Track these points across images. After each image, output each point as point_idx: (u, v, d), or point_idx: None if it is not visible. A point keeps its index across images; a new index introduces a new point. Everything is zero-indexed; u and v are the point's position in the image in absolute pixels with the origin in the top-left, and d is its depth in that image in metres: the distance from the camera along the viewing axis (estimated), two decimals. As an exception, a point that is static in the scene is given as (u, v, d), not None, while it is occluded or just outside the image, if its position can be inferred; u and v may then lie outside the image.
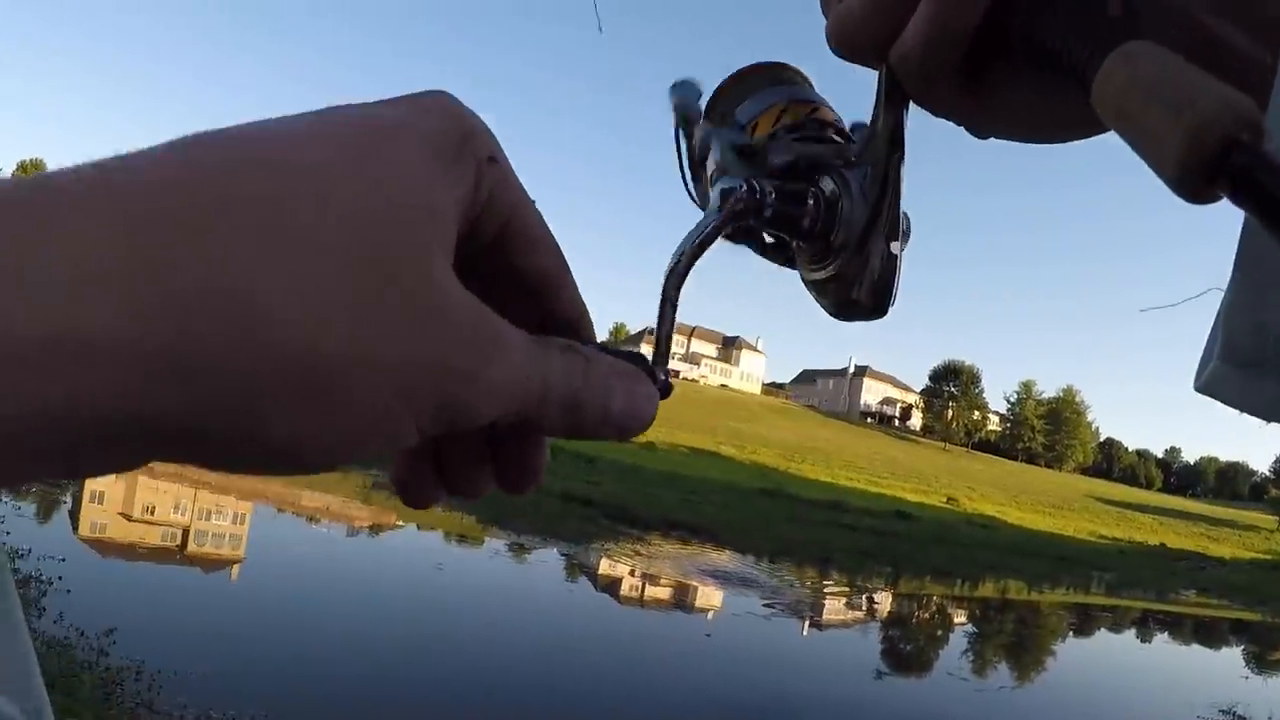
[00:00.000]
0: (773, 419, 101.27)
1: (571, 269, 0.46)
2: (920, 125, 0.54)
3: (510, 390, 0.36)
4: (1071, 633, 19.27)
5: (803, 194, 0.60)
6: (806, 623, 13.94)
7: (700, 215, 0.56)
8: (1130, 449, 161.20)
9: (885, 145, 0.58)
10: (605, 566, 16.38)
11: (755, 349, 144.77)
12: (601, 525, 21.87)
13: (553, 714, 8.22)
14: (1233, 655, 19.97)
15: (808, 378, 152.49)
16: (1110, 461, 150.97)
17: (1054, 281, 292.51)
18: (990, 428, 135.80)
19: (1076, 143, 0.55)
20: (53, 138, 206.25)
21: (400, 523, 18.64)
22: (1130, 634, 20.74)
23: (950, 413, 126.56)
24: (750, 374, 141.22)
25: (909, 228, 0.60)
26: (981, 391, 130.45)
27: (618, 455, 46.37)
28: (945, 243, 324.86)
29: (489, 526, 19.14)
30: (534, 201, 0.42)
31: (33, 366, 0.25)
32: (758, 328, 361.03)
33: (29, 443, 0.27)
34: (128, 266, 0.27)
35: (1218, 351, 0.50)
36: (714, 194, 0.59)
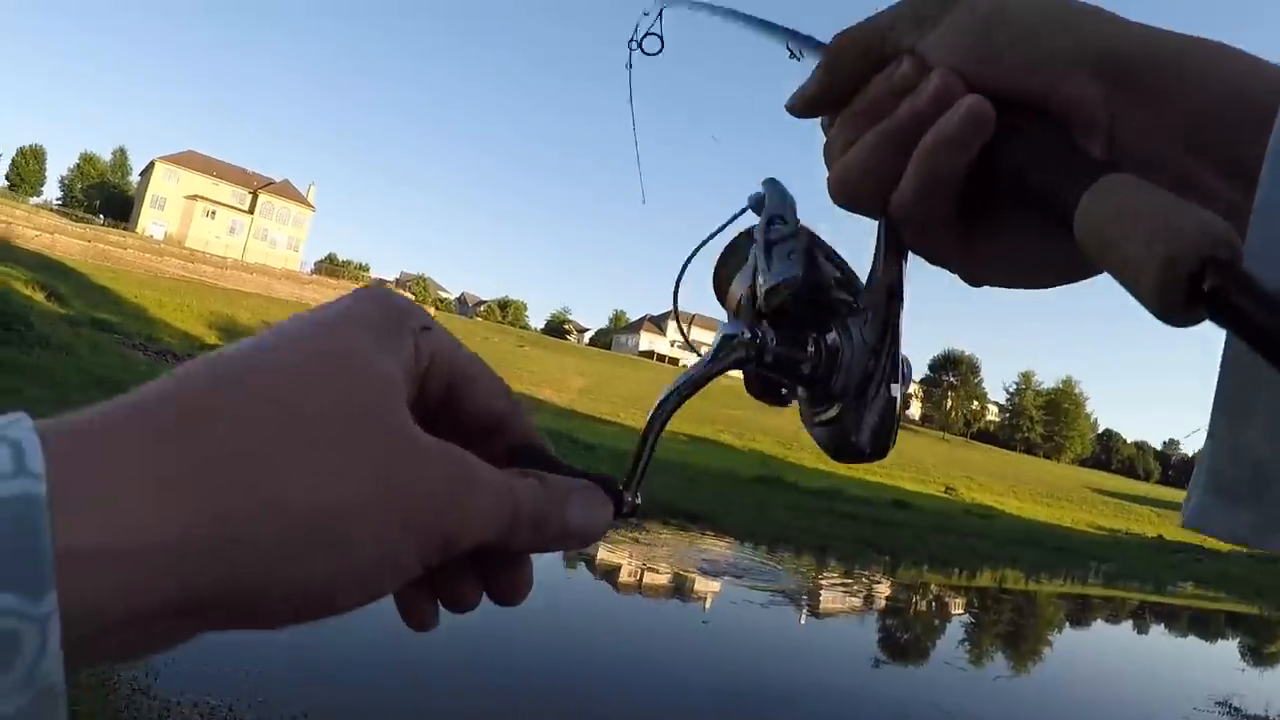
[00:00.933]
0: (771, 407, 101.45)
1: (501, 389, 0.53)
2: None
3: (488, 518, 0.42)
4: (1068, 623, 19.30)
5: (804, 340, 0.61)
6: (804, 611, 13.95)
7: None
8: (1129, 440, 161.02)
9: (885, 295, 0.60)
10: (603, 553, 16.40)
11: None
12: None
13: (551, 698, 8.24)
14: (1229, 648, 19.98)
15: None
16: (1108, 453, 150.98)
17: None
18: (989, 418, 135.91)
19: None
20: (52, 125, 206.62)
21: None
22: (1127, 625, 20.74)
23: (949, 402, 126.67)
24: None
25: (909, 371, 0.62)
26: (981, 381, 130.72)
27: (616, 443, 46.27)
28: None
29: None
30: (474, 354, 0.49)
31: (114, 569, 0.31)
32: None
33: (116, 631, 0.33)
34: (173, 474, 0.33)
35: (1201, 483, 0.51)
36: (716, 337, 0.61)
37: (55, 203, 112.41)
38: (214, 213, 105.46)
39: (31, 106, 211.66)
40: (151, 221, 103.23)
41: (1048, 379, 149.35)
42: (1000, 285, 0.58)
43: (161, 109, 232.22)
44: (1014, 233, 0.55)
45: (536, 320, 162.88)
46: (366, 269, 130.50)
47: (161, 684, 6.50)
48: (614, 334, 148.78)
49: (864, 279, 0.62)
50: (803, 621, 13.34)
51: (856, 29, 0.59)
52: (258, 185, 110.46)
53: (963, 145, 0.51)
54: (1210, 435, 0.49)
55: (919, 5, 0.56)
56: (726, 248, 0.68)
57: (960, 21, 0.54)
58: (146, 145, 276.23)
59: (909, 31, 0.56)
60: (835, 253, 0.64)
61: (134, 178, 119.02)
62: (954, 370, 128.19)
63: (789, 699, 8.54)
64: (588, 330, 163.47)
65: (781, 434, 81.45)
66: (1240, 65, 0.49)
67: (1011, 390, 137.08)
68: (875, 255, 0.60)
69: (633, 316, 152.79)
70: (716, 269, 0.70)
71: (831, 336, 0.61)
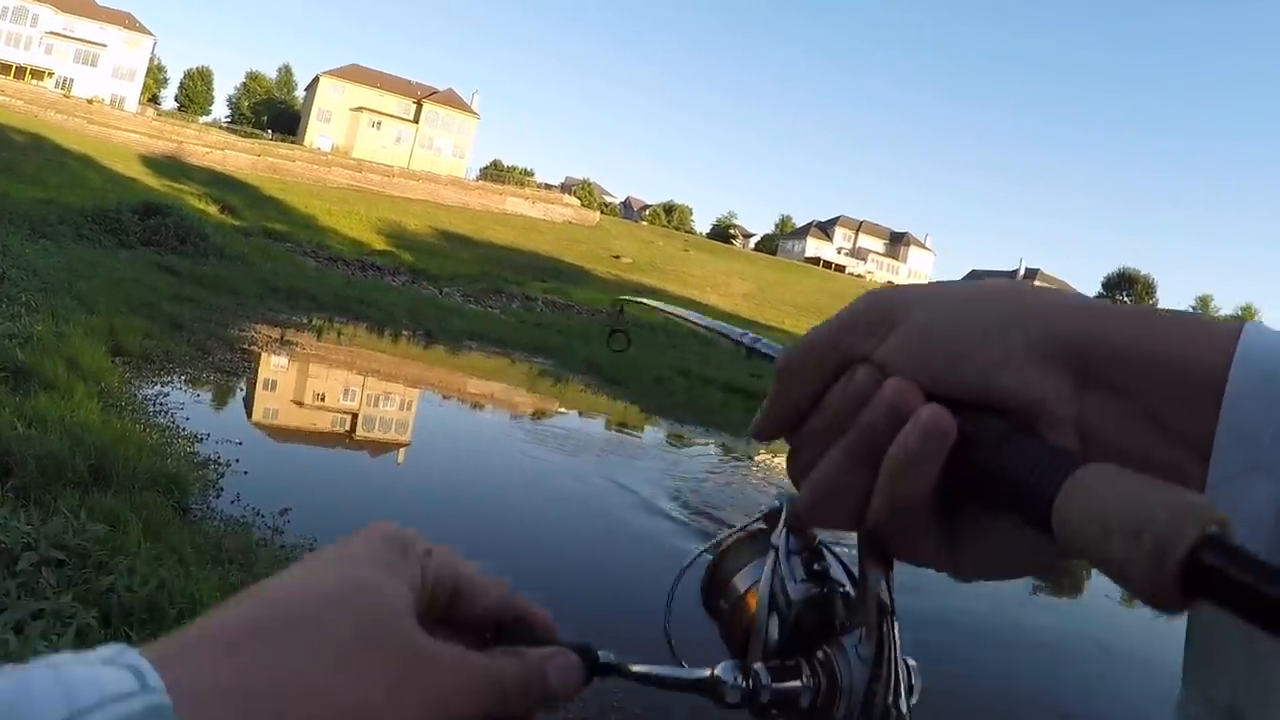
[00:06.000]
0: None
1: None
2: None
3: (482, 698, 0.49)
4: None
5: (797, 668, 0.59)
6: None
7: None
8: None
9: (875, 610, 0.58)
10: (763, 454, 16.32)
11: (924, 246, 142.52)
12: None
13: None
14: None
15: (977, 277, 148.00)
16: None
17: (1244, 193, 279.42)
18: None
19: None
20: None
21: (563, 410, 18.81)
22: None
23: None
24: (918, 272, 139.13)
25: (916, 679, 0.59)
26: (1156, 303, 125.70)
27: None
28: (1130, 143, 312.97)
29: (650, 416, 19.19)
30: (470, 565, 0.56)
31: None
32: (927, 224, 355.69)
33: None
34: (234, 686, 0.41)
35: None
36: (712, 677, 0.58)
37: (224, 121, 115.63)
38: (379, 123, 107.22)
39: (196, 31, 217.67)
40: (318, 134, 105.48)
41: (1226, 305, 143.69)
42: (987, 579, 0.56)
43: (324, 25, 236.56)
44: (997, 530, 0.53)
45: (702, 224, 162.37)
46: (531, 174, 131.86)
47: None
48: (780, 239, 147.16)
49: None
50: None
51: (807, 340, 0.58)
52: (422, 95, 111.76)
53: (924, 459, 0.50)
54: (1184, 683, 0.50)
55: (869, 313, 0.56)
56: (725, 551, 0.65)
57: (914, 328, 0.54)
58: (310, 61, 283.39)
59: (862, 340, 0.55)
60: (840, 558, 0.63)
61: (299, 93, 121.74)
62: (1128, 290, 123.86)
63: (946, 624, 8.31)
64: (753, 235, 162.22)
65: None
66: (1194, 339, 0.49)
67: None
68: (859, 568, 0.58)
69: (799, 222, 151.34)
70: (710, 574, 0.65)
71: (824, 658, 0.59)
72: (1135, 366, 0.49)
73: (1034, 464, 0.46)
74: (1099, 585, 11.59)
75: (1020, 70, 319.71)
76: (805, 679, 0.57)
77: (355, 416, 13.88)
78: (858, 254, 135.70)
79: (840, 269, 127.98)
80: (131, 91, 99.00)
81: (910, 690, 0.58)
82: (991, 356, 0.51)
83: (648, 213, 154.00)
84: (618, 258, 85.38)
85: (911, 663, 0.59)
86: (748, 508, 11.95)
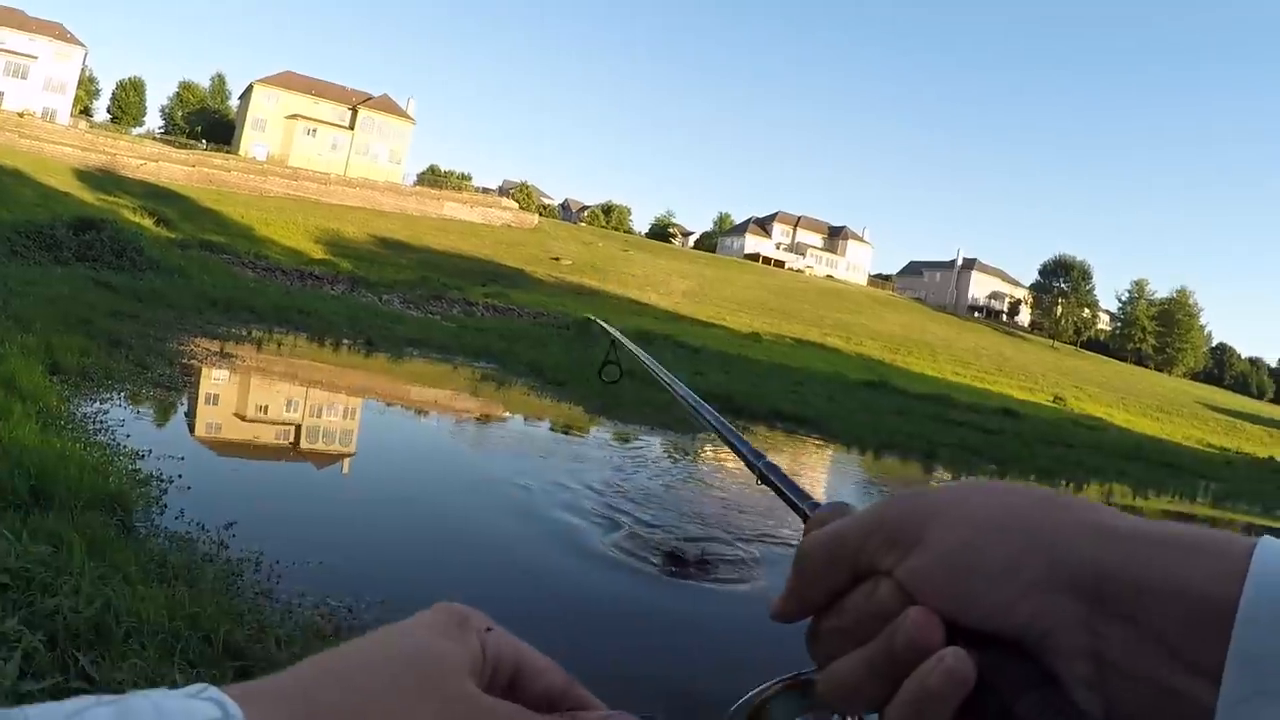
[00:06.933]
0: (879, 311, 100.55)
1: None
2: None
3: None
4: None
5: None
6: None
7: None
8: (1243, 356, 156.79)
9: None
10: (709, 454, 16.41)
11: (862, 239, 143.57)
12: (707, 420, 21.82)
13: (658, 598, 8.27)
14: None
15: (915, 269, 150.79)
16: (1221, 368, 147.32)
17: (1172, 176, 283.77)
18: (1100, 326, 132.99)
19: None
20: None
21: (507, 414, 18.82)
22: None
23: (1059, 309, 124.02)
24: (857, 265, 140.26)
25: None
26: (1092, 289, 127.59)
27: (723, 346, 46.36)
28: (1059, 131, 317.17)
29: (596, 417, 19.26)
30: (530, 647, 0.60)
31: None
32: (864, 218, 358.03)
33: None
34: (303, 717, 0.47)
35: None
36: None
37: (158, 131, 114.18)
38: (315, 130, 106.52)
39: (127, 42, 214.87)
40: (253, 143, 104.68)
41: (1161, 288, 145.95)
42: None
43: (257, 33, 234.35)
44: None
45: (641, 224, 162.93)
46: (468, 178, 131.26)
47: (284, 586, 6.60)
48: (719, 237, 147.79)
49: None
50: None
51: (827, 537, 0.60)
52: (357, 101, 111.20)
53: (941, 700, 0.51)
54: None
55: (893, 524, 0.57)
56: (759, 709, 0.66)
57: (935, 551, 0.55)
58: (244, 69, 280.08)
59: (885, 553, 0.57)
60: None
61: (233, 102, 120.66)
62: (1065, 276, 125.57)
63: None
64: (692, 234, 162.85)
65: (890, 339, 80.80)
66: (1206, 566, 0.49)
67: (1124, 299, 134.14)
68: None
69: (737, 219, 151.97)
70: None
71: None
72: (1148, 596, 0.50)
73: (1059, 713, 0.48)
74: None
75: (952, 57, 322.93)
76: None
77: (299, 428, 13.81)
78: (797, 249, 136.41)
79: (780, 264, 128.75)
80: (63, 104, 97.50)
81: None
82: (1008, 592, 0.52)
83: (586, 214, 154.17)
84: (558, 259, 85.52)
85: None
86: (696, 506, 12.11)
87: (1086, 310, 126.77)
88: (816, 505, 0.67)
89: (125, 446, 9.39)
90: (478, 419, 18.01)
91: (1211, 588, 0.48)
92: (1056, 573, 0.52)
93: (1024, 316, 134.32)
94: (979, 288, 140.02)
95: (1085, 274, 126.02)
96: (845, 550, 0.59)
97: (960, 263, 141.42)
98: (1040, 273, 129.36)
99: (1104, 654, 0.51)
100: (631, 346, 1.66)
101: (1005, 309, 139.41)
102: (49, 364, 11.86)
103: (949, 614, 0.53)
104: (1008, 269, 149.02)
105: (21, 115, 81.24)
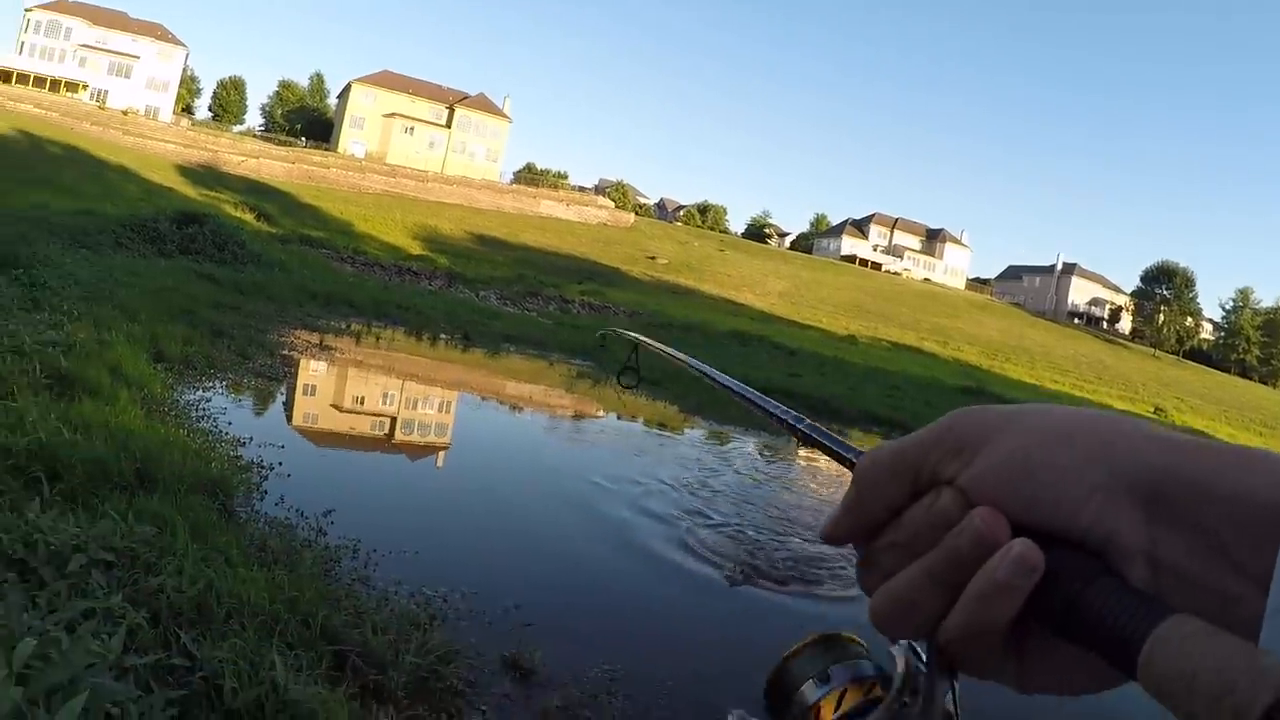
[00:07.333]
0: (977, 316, 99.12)
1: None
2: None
3: None
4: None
5: None
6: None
7: None
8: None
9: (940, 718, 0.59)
10: (803, 457, 16.25)
11: (960, 242, 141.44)
12: (801, 420, 21.68)
13: (761, 589, 8.19)
14: None
15: (1013, 274, 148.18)
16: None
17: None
18: (1203, 336, 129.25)
19: None
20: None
21: (601, 412, 18.83)
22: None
23: (1161, 317, 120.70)
24: (954, 268, 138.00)
25: None
26: (1195, 296, 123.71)
27: (819, 348, 46.02)
28: (1163, 133, 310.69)
29: (690, 416, 19.17)
30: None
31: None
32: (963, 220, 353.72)
33: None
34: None
35: None
36: None
37: (258, 129, 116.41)
38: (412, 129, 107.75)
39: (227, 42, 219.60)
40: (351, 140, 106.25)
41: (1267, 297, 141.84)
42: (1047, 693, 0.57)
43: (354, 34, 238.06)
44: (1064, 648, 0.54)
45: (737, 224, 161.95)
46: (565, 177, 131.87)
47: (380, 573, 6.63)
48: (815, 238, 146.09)
49: None
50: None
51: (889, 452, 0.59)
52: (453, 100, 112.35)
53: (1010, 592, 0.51)
54: None
55: (953, 435, 0.57)
56: (792, 657, 0.69)
57: (997, 458, 0.55)
58: (342, 69, 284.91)
59: (946, 463, 0.57)
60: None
61: (332, 101, 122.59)
62: (1167, 283, 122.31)
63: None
64: (788, 234, 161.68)
65: (988, 344, 79.68)
66: (1261, 475, 0.49)
67: (1228, 308, 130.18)
68: (927, 675, 0.59)
69: (834, 220, 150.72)
70: (776, 679, 0.70)
71: None
72: (1205, 501, 0.50)
73: (1121, 609, 0.48)
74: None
75: (1058, 69, 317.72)
76: None
77: (395, 420, 13.95)
78: (894, 251, 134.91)
79: (876, 266, 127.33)
80: (165, 102, 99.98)
81: None
82: (1071, 493, 0.52)
83: (682, 213, 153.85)
84: (654, 259, 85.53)
85: None
86: (788, 509, 11.99)
87: (1189, 319, 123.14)
88: (862, 453, 0.63)
89: (227, 433, 9.53)
90: (572, 415, 18.07)
91: (1271, 495, 0.48)
92: (1118, 477, 0.52)
93: (1125, 324, 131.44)
94: (1079, 293, 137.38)
95: (1189, 281, 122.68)
96: (906, 463, 0.58)
97: (1060, 267, 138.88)
98: (1142, 279, 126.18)
99: (1160, 558, 0.51)
100: (655, 345, 1.60)
101: (1105, 315, 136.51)
102: (153, 352, 12.09)
103: (1012, 516, 0.53)
104: (1109, 274, 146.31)
105: (126, 113, 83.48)
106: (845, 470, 0.71)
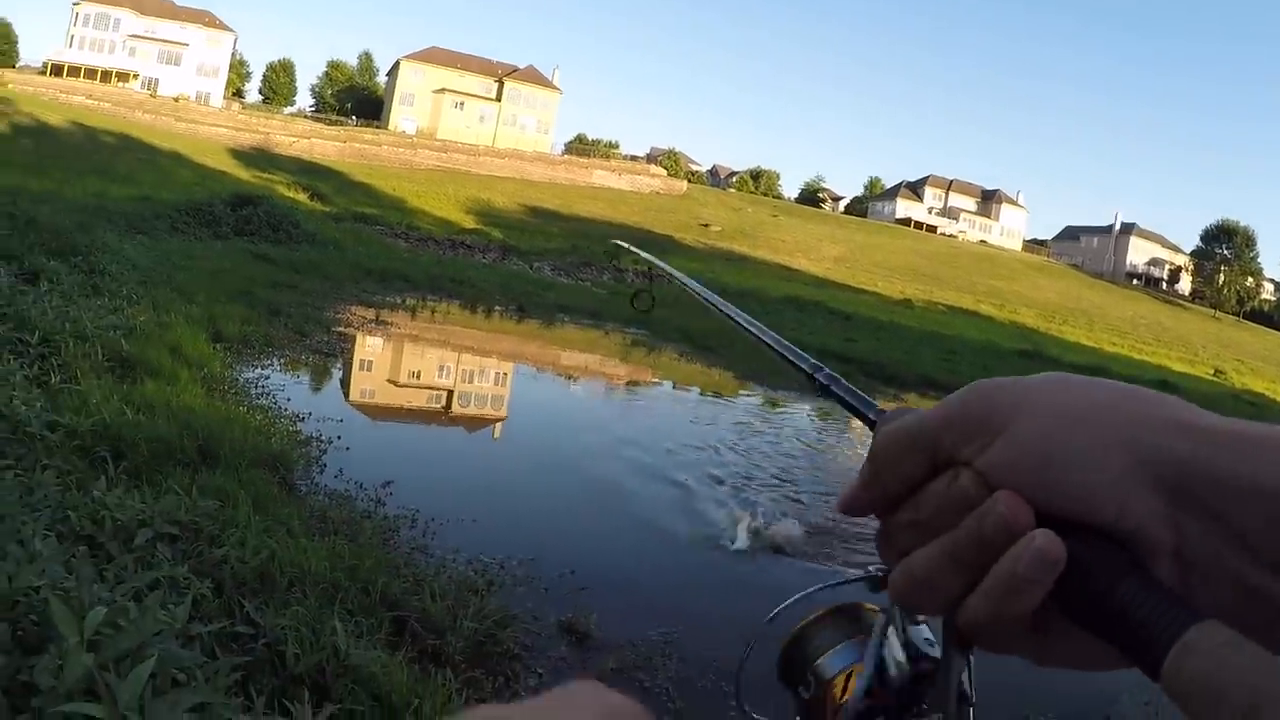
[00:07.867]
0: (1033, 277, 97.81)
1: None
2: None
3: None
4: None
5: None
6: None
7: None
8: None
9: (955, 698, 0.58)
10: (858, 423, 16.19)
11: (1016, 203, 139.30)
12: (857, 383, 21.45)
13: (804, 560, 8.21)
14: None
15: (1071, 234, 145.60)
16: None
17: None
18: (1264, 296, 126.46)
19: None
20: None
21: (656, 379, 18.86)
22: None
23: (1222, 277, 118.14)
24: (1011, 230, 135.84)
25: None
26: (1256, 256, 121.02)
27: (874, 313, 45.72)
28: (1220, 91, 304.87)
29: (745, 382, 19.15)
30: None
31: None
32: (1019, 181, 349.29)
33: None
34: None
35: None
36: None
37: (309, 110, 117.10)
38: (462, 104, 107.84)
39: (275, 25, 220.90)
40: (402, 118, 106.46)
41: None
42: (1065, 668, 0.56)
43: (401, 10, 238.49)
44: (1082, 633, 0.53)
45: (790, 189, 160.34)
46: (616, 146, 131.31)
47: (438, 542, 6.74)
48: (870, 201, 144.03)
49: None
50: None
51: (905, 429, 0.58)
52: (502, 73, 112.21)
53: (1033, 584, 0.50)
54: None
55: (972, 413, 0.56)
56: (807, 629, 0.71)
57: (1018, 440, 0.53)
58: (390, 47, 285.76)
59: (965, 442, 0.55)
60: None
61: (381, 79, 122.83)
62: (1228, 242, 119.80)
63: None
64: (843, 198, 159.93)
65: (1045, 306, 78.71)
66: None
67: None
68: (944, 653, 0.58)
69: (888, 183, 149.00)
70: (790, 651, 0.72)
71: None
72: (1232, 493, 0.49)
73: (1148, 609, 0.46)
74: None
75: (1112, 18, 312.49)
76: None
77: (451, 393, 14.11)
78: (949, 213, 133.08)
79: (932, 229, 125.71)
80: (216, 87, 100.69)
81: None
82: (1093, 480, 0.51)
83: (735, 180, 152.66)
84: (707, 226, 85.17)
85: None
86: (851, 476, 11.98)
87: (1250, 279, 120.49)
88: (883, 412, 0.64)
89: (286, 409, 9.69)
90: (627, 384, 18.13)
91: None
92: (1141, 467, 0.51)
93: (1184, 284, 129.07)
94: (1137, 254, 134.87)
95: (1249, 240, 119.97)
96: (926, 438, 0.56)
97: (1118, 228, 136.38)
98: (1202, 238, 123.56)
99: (1185, 551, 0.50)
100: (669, 270, 1.61)
101: (1165, 276, 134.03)
102: (212, 333, 12.27)
103: (1034, 501, 0.52)
104: (1168, 234, 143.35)
105: (177, 100, 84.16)
106: None
